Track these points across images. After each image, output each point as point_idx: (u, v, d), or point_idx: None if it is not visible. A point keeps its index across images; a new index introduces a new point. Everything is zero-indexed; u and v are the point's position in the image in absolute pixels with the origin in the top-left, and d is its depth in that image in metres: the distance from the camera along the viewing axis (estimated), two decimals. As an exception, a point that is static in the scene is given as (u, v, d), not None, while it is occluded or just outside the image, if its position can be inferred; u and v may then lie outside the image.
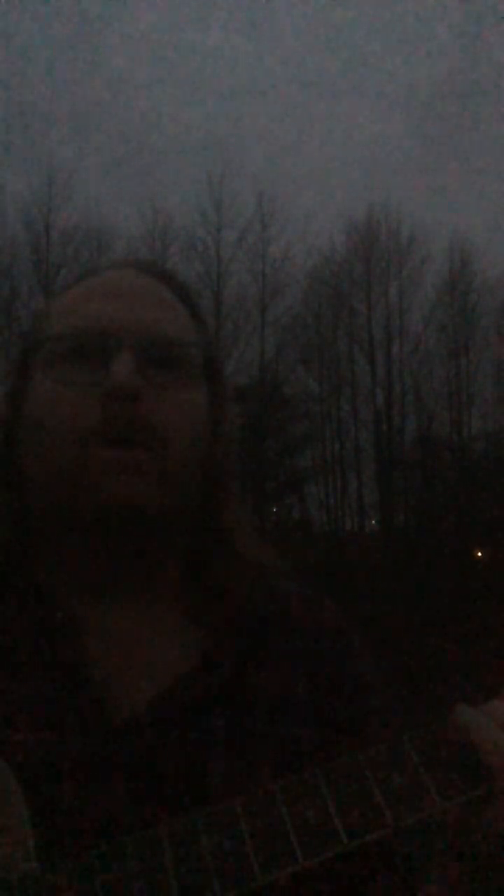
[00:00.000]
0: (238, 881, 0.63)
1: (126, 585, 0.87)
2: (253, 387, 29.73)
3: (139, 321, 0.87)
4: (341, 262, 31.37)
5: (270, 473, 30.28)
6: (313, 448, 31.70)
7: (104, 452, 0.81)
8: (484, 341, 31.66)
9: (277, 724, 0.85)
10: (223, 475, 0.93)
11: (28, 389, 0.89)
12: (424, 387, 31.41)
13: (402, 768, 0.67)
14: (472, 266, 31.43)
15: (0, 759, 0.71)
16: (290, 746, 0.84)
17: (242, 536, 0.94)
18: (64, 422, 0.83)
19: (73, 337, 0.86)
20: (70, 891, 0.63)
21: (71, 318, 0.88)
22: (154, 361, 0.85)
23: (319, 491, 31.66)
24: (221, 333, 29.13)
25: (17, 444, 0.89)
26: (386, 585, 25.60)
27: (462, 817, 0.70)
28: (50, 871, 0.64)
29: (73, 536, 0.85)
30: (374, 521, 31.56)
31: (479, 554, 28.84)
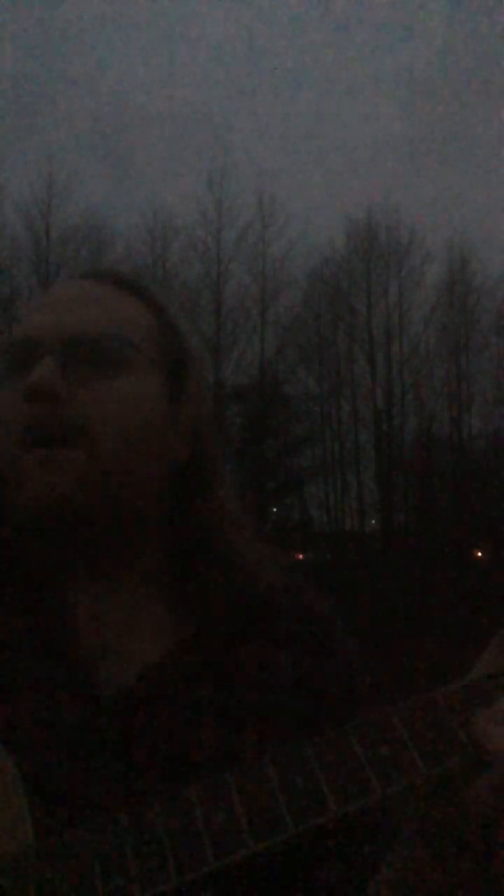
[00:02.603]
0: (231, 851, 0.64)
1: (107, 573, 0.90)
2: (253, 387, 29.77)
3: (61, 325, 0.90)
4: (341, 262, 31.44)
5: (270, 473, 30.31)
6: (313, 448, 31.78)
7: (32, 453, 0.85)
8: (484, 341, 31.72)
9: (264, 697, 0.88)
10: (197, 467, 0.96)
11: None
12: (424, 387, 31.47)
13: (389, 739, 0.69)
14: (472, 266, 31.50)
15: None
16: (277, 718, 0.87)
17: (225, 526, 0.96)
18: (3, 427, 0.88)
19: (7, 348, 0.93)
20: (65, 867, 0.64)
21: (15, 329, 0.95)
22: (80, 361, 0.88)
23: (319, 491, 31.75)
24: (221, 333, 29.18)
25: None
26: (386, 585, 25.61)
27: (434, 793, 0.71)
28: (45, 847, 0.66)
29: (18, 533, 0.89)
30: (374, 521, 31.59)
31: (479, 554, 28.86)
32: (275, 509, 30.86)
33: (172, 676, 0.86)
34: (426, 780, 0.68)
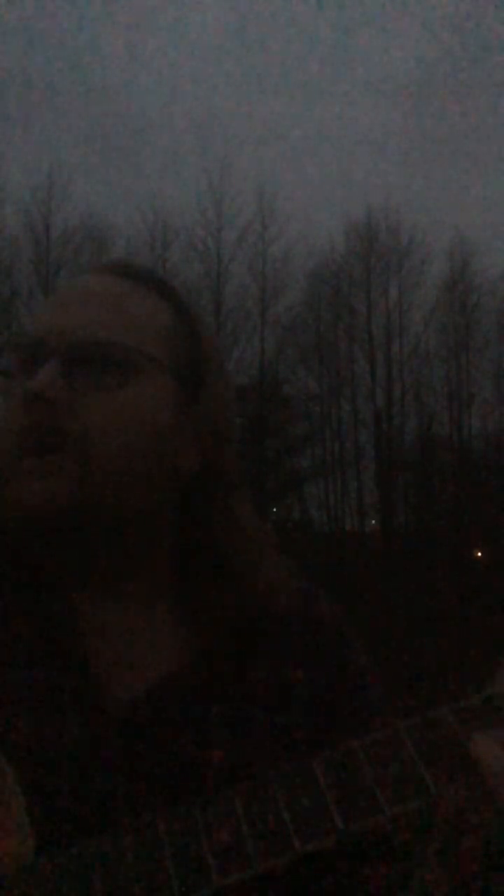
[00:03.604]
0: (236, 870, 0.63)
1: (111, 582, 0.88)
2: (253, 387, 29.74)
3: (68, 326, 0.87)
4: (341, 262, 31.34)
5: (270, 473, 30.28)
6: (313, 448, 31.73)
7: (25, 461, 0.84)
8: (484, 341, 31.68)
9: (275, 714, 0.86)
10: (209, 477, 0.92)
11: None
12: (424, 387, 31.45)
13: (398, 757, 0.68)
14: (472, 266, 31.44)
15: None
16: (288, 736, 0.85)
17: (237, 540, 0.93)
18: (3, 429, 0.87)
19: (15, 347, 0.90)
20: (68, 885, 0.63)
21: (26, 328, 0.92)
22: (85, 366, 0.86)
23: (319, 491, 31.69)
24: (221, 333, 29.14)
25: None
26: (386, 585, 25.60)
27: (455, 812, 0.70)
28: (48, 863, 0.65)
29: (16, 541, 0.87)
30: (373, 521, 31.57)
31: (479, 554, 28.83)
32: (275, 509, 30.83)
33: (182, 691, 0.84)
34: (436, 801, 0.67)
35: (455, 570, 27.24)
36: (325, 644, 0.94)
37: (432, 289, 31.35)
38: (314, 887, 0.81)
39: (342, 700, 0.90)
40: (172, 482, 0.90)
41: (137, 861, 0.64)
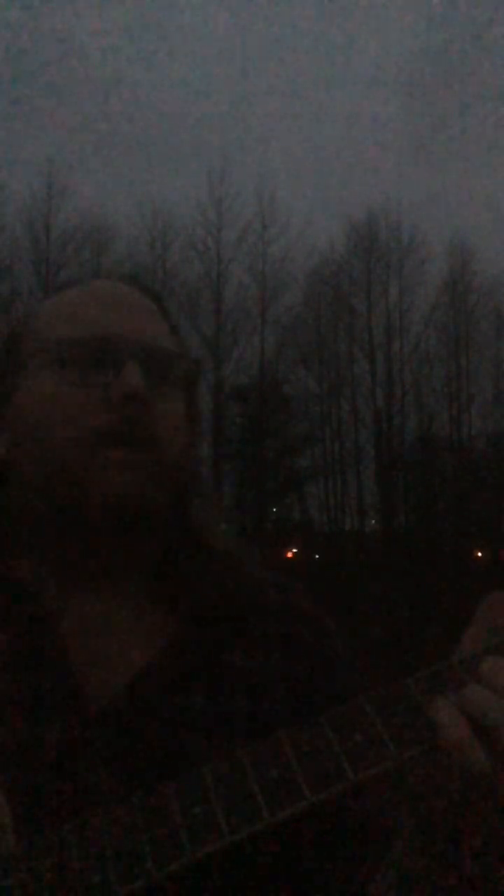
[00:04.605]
0: (206, 842, 0.66)
1: (103, 576, 0.90)
2: (253, 387, 29.76)
3: (140, 333, 0.93)
4: (341, 262, 31.42)
5: (270, 473, 30.30)
6: (313, 448, 31.77)
7: (111, 452, 0.87)
8: (484, 341, 31.71)
9: (253, 705, 0.88)
10: (193, 476, 0.99)
11: (22, 389, 0.92)
12: (424, 387, 31.48)
13: (362, 725, 0.70)
14: (472, 266, 31.48)
15: None
16: (267, 726, 0.85)
17: (211, 529, 0.98)
18: (72, 422, 0.88)
19: (79, 342, 0.91)
20: (45, 866, 0.66)
21: (75, 324, 0.93)
22: (150, 371, 0.91)
23: (319, 491, 31.74)
24: (221, 333, 29.17)
25: (4, 438, 0.93)
26: (386, 585, 25.61)
27: (423, 777, 0.72)
28: (25, 851, 0.67)
29: (65, 531, 0.89)
30: (373, 521, 31.58)
31: (479, 554, 28.86)
32: (275, 509, 30.87)
33: (161, 682, 0.86)
34: (400, 766, 0.69)
35: (455, 570, 27.25)
36: (302, 634, 0.96)
37: (432, 289, 31.43)
38: (293, 869, 0.83)
39: (319, 689, 0.92)
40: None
41: (110, 838, 0.67)
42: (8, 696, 0.82)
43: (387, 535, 29.88)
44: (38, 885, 0.65)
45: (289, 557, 28.80)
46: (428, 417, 31.39)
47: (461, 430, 31.41)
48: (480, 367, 31.76)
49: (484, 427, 31.85)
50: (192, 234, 29.94)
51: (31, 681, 0.83)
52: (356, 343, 31.24)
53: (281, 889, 0.82)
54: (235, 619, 0.92)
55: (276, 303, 30.10)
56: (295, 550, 29.70)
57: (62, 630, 0.87)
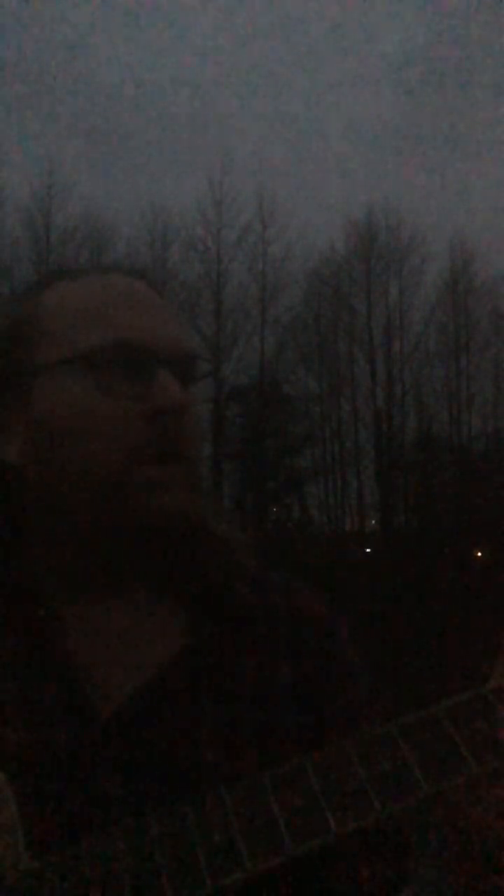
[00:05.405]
0: (227, 871, 0.63)
1: (113, 582, 0.88)
2: (253, 387, 29.74)
3: (168, 338, 0.88)
4: (341, 262, 31.36)
5: (270, 473, 30.28)
6: (313, 448, 31.73)
7: (151, 471, 0.84)
8: (484, 341, 31.68)
9: (263, 711, 0.86)
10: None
11: (41, 395, 0.87)
12: (424, 387, 31.45)
13: (391, 756, 0.67)
14: (472, 266, 31.45)
15: None
16: (277, 733, 0.85)
17: (219, 532, 0.95)
18: (105, 435, 0.83)
19: (108, 348, 0.85)
20: (60, 884, 0.63)
21: (100, 326, 0.86)
22: (179, 377, 0.87)
23: (319, 491, 31.71)
24: (221, 333, 29.16)
25: (16, 445, 0.88)
26: (386, 585, 25.59)
27: (453, 810, 0.71)
28: (39, 864, 0.65)
29: (88, 544, 0.86)
30: (373, 521, 31.55)
31: (479, 554, 28.82)
32: (275, 509, 30.84)
33: (170, 691, 0.83)
34: (429, 799, 0.67)
35: (455, 570, 27.23)
36: (313, 638, 0.93)
37: (432, 289, 31.40)
38: (312, 888, 0.80)
39: (329, 694, 0.90)
40: None
41: (130, 862, 0.64)
42: (15, 701, 0.80)
43: (387, 535, 29.85)
44: None
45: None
46: (428, 417, 31.39)
47: (461, 430, 31.41)
48: (480, 367, 31.77)
49: (484, 427, 31.87)
50: (192, 234, 29.96)
51: (38, 686, 0.81)
52: (356, 343, 31.22)
53: None
54: (244, 624, 0.90)
55: (276, 303, 30.08)
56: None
57: (69, 635, 0.85)
